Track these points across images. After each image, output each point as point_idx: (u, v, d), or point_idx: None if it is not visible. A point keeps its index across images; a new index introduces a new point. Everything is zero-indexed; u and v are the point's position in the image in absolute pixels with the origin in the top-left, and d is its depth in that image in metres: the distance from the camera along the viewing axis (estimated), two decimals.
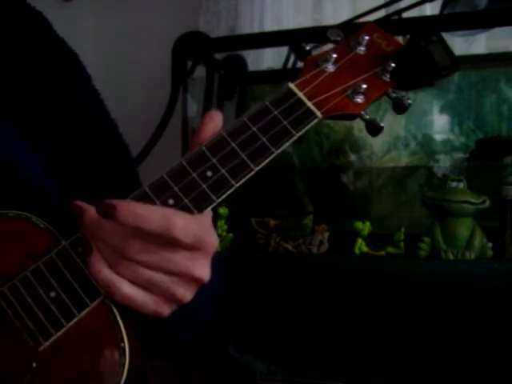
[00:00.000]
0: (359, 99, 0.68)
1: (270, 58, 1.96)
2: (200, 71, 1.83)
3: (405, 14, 1.62)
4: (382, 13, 1.69)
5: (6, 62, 0.78)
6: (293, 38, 1.54)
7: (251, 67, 1.88)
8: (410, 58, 0.68)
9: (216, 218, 1.53)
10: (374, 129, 0.69)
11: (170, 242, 0.59)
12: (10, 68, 0.78)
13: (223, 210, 1.55)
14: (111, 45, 2.23)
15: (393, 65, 0.69)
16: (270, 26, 1.99)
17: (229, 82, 1.84)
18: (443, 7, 1.59)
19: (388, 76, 0.69)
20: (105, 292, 0.62)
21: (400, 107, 0.69)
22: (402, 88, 0.71)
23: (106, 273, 0.61)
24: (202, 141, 0.64)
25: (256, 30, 1.99)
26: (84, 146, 0.80)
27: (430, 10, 1.73)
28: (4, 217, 0.65)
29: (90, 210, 0.61)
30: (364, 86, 0.68)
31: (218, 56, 1.85)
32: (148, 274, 0.61)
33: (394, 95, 0.69)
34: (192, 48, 1.79)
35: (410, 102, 0.69)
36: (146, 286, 0.61)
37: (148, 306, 0.62)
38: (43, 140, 0.76)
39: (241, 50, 1.84)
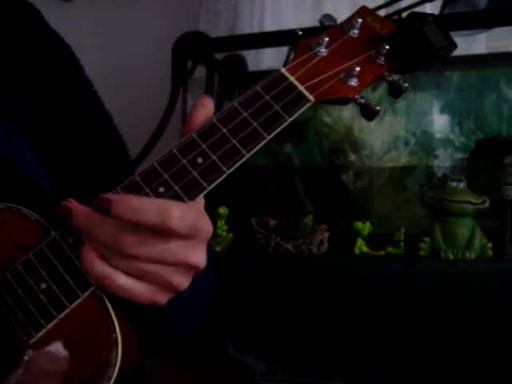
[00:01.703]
0: (353, 82, 0.67)
1: (269, 58, 1.96)
2: (200, 71, 1.83)
3: (405, 14, 1.62)
4: (382, 13, 1.69)
5: (0, 58, 0.78)
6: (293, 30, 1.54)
7: (251, 67, 1.88)
8: (404, 40, 0.67)
9: (216, 217, 1.53)
10: (369, 112, 0.67)
11: (166, 233, 0.59)
12: (4, 64, 0.78)
13: (223, 210, 1.54)
14: (111, 45, 2.23)
15: (387, 47, 0.67)
16: (270, 26, 1.99)
17: (229, 82, 1.84)
18: (443, 7, 1.59)
19: (382, 59, 0.68)
20: (99, 284, 0.61)
21: (396, 91, 0.68)
22: (397, 71, 0.69)
23: (99, 265, 0.60)
24: (192, 127, 0.63)
25: (256, 29, 1.99)
26: (79, 141, 0.80)
27: (430, 10, 1.73)
28: None
29: (78, 209, 0.60)
30: (357, 68, 0.66)
31: (218, 56, 1.85)
32: (144, 266, 0.60)
33: (390, 78, 0.68)
34: (192, 48, 1.79)
35: (406, 85, 0.67)
36: (142, 276, 0.61)
37: (144, 296, 0.61)
38: (39, 137, 0.76)
39: (241, 49, 1.84)
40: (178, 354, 1.41)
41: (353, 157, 1.74)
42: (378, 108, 0.67)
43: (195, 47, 1.79)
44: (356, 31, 0.70)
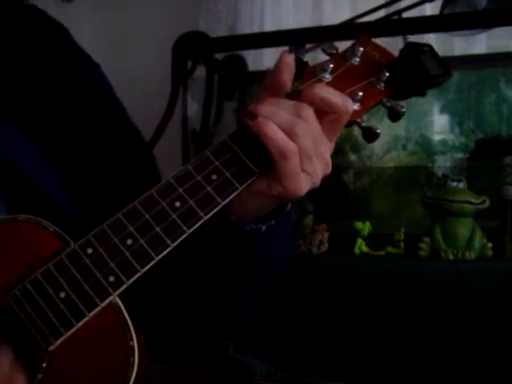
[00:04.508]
0: (356, 106, 0.70)
1: (269, 58, 1.95)
2: (200, 71, 1.83)
3: (405, 14, 1.62)
4: (382, 13, 1.69)
5: (26, 74, 0.79)
6: (293, 38, 1.54)
7: (251, 67, 1.88)
8: (403, 68, 0.72)
9: None
10: (370, 136, 0.71)
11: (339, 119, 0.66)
12: (32, 83, 0.79)
13: None
14: (111, 45, 2.23)
15: (387, 74, 0.72)
16: (269, 26, 1.99)
17: (229, 82, 1.84)
18: (443, 7, 1.59)
19: (383, 85, 0.72)
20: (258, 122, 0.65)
21: (395, 115, 0.72)
22: (395, 97, 0.73)
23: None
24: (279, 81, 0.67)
25: (256, 30, 1.99)
26: (108, 157, 0.81)
27: (430, 10, 1.72)
28: (14, 221, 0.67)
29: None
30: (360, 93, 0.70)
31: (218, 56, 1.85)
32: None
33: (389, 104, 0.72)
34: (192, 48, 1.79)
35: (403, 110, 0.72)
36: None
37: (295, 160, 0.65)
38: (63, 152, 0.77)
39: (241, 49, 1.84)
40: (178, 355, 1.41)
41: (353, 157, 1.74)
42: (378, 131, 0.71)
43: (195, 47, 1.79)
44: (357, 59, 0.73)
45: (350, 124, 0.71)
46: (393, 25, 1.56)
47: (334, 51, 0.73)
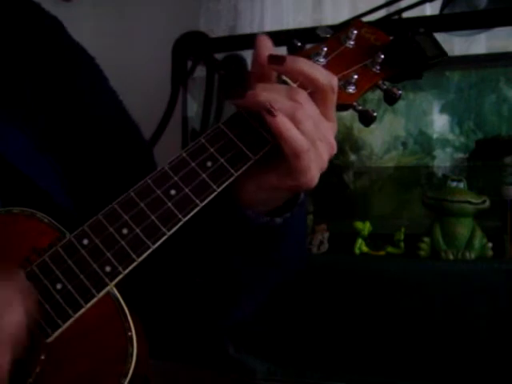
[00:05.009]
0: (351, 89, 0.70)
1: None
2: (200, 71, 1.83)
3: (405, 14, 1.62)
4: (382, 13, 1.69)
5: (23, 69, 0.79)
6: (293, 38, 1.54)
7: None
8: (398, 49, 0.71)
9: None
10: (366, 119, 0.70)
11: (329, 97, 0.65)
12: (25, 77, 0.79)
13: None
14: (111, 45, 2.23)
15: (382, 56, 0.71)
16: (269, 26, 1.99)
17: (229, 82, 1.84)
18: (443, 7, 1.59)
19: (378, 68, 0.71)
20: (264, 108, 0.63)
21: (391, 98, 0.71)
22: (391, 80, 0.72)
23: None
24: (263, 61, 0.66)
25: (256, 30, 1.99)
26: (104, 151, 0.81)
27: (430, 10, 1.73)
28: (9, 213, 0.66)
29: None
30: (355, 76, 0.69)
31: (218, 56, 1.85)
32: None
33: (385, 87, 0.71)
34: (192, 48, 1.79)
35: (400, 92, 0.70)
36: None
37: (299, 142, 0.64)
38: (59, 146, 0.77)
39: (241, 49, 1.84)
40: (179, 354, 1.41)
41: (353, 157, 1.74)
42: (375, 114, 0.69)
43: (195, 47, 1.79)
44: (352, 42, 0.73)
45: (346, 107, 0.70)
46: (393, 25, 1.56)
47: (328, 35, 0.72)
